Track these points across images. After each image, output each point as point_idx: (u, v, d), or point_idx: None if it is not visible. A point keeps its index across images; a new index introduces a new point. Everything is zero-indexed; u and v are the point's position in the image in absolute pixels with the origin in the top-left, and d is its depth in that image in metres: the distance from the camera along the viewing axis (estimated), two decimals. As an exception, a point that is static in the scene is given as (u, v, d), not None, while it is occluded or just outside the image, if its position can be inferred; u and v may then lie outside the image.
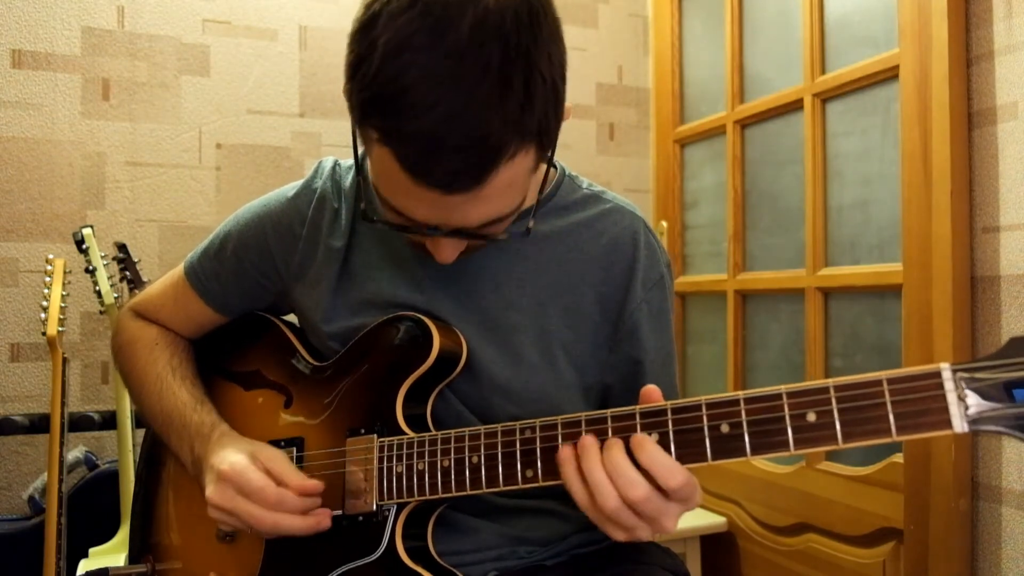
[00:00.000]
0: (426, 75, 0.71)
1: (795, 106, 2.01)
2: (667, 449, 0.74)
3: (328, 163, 1.07)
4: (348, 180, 1.05)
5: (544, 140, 0.79)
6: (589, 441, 0.76)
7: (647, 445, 0.74)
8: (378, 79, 0.73)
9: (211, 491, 0.91)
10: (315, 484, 0.91)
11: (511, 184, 0.79)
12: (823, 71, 1.92)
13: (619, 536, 0.78)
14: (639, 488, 0.73)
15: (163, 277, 1.16)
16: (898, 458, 1.69)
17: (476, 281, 1.00)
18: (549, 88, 0.76)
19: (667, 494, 0.74)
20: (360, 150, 0.87)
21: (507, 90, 0.72)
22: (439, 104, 0.71)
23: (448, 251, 0.88)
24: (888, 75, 1.74)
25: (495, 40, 0.71)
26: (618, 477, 0.73)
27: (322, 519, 0.90)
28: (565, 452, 0.77)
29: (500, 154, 0.74)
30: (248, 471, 0.90)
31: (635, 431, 0.76)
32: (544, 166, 0.88)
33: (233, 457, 0.92)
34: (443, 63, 0.71)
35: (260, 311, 1.13)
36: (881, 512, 1.73)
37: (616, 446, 0.75)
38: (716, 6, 2.32)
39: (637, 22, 2.68)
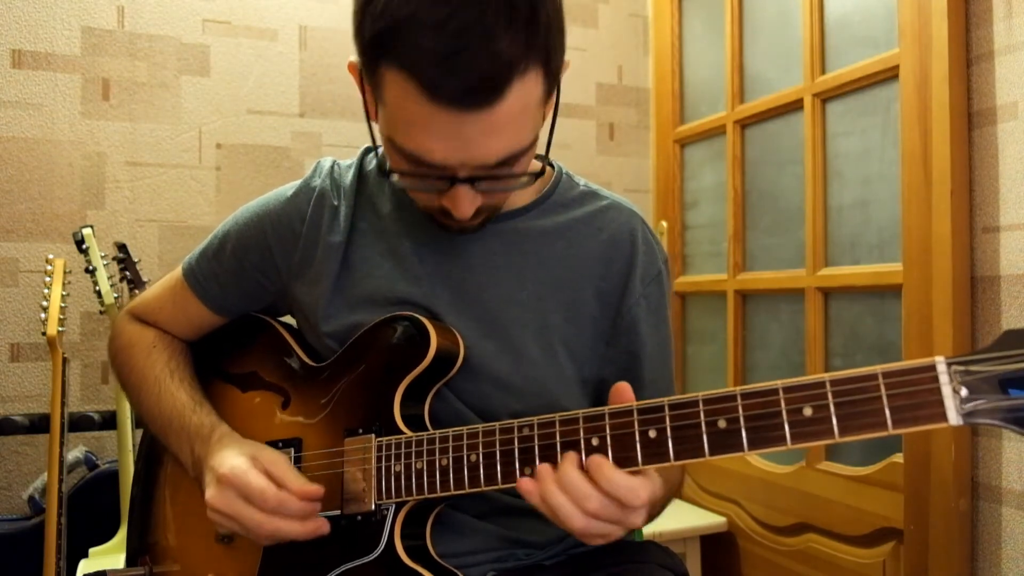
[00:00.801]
0: None
1: (795, 106, 2.01)
2: (664, 445, 0.74)
3: (327, 162, 1.08)
4: (348, 178, 1.05)
5: (550, 65, 0.81)
6: (545, 470, 0.78)
7: (604, 469, 0.75)
8: (389, 8, 0.76)
9: (211, 494, 0.91)
10: (317, 489, 0.90)
11: (523, 111, 0.80)
12: (823, 71, 1.92)
13: (596, 542, 0.79)
14: (593, 501, 0.75)
15: (161, 280, 1.16)
16: (898, 458, 1.69)
17: (476, 276, 1.00)
18: (551, 13, 0.79)
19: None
20: (373, 117, 0.88)
21: (513, 9, 0.75)
22: (450, 21, 0.73)
23: (466, 202, 0.86)
24: (888, 75, 1.74)
25: None
26: (575, 494, 0.75)
27: (321, 525, 0.90)
28: (527, 485, 0.79)
29: (512, 69, 0.76)
30: (249, 474, 0.89)
31: (633, 427, 0.76)
32: (548, 139, 0.90)
33: (234, 460, 0.91)
34: None
35: (258, 312, 1.13)
36: (881, 512, 1.73)
37: (569, 462, 0.77)
38: (716, 6, 2.32)
39: (637, 22, 2.68)
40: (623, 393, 0.80)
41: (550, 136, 0.90)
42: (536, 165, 1.08)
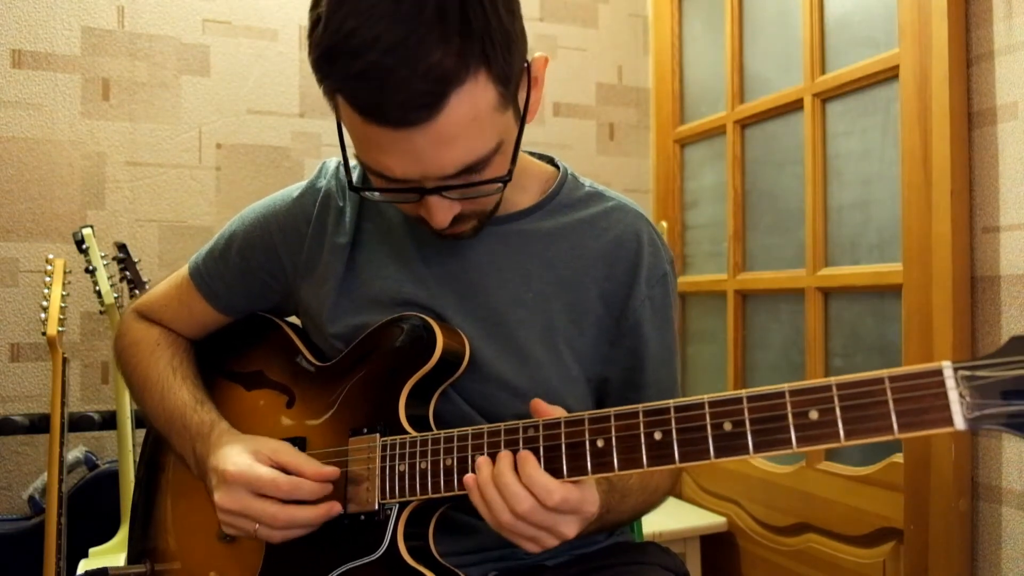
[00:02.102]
0: (366, 17, 0.74)
1: (795, 106, 2.01)
2: (670, 447, 0.74)
3: (332, 163, 1.08)
4: (353, 179, 1.05)
5: (495, 68, 0.79)
6: (482, 462, 0.81)
7: (527, 466, 0.78)
8: (326, 33, 0.77)
9: (220, 496, 0.90)
10: (331, 470, 0.91)
11: (474, 120, 0.80)
12: (823, 71, 1.92)
13: (529, 547, 0.81)
14: (524, 503, 0.77)
15: (167, 278, 1.16)
16: (898, 458, 1.69)
17: (481, 277, 1.00)
18: (491, 15, 0.78)
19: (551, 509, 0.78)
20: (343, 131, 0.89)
21: (443, 19, 0.75)
22: (380, 39, 0.74)
23: (440, 212, 0.87)
24: (888, 75, 1.74)
25: None
26: (505, 492, 0.78)
27: (333, 505, 0.90)
28: (469, 480, 0.81)
29: (447, 82, 0.76)
30: (255, 467, 0.90)
31: (638, 429, 0.76)
32: (517, 139, 0.89)
33: (236, 457, 0.91)
34: (381, 3, 0.74)
35: (263, 312, 1.13)
36: (881, 512, 1.73)
37: (504, 461, 0.80)
38: (716, 6, 2.33)
39: (637, 22, 2.68)
40: (539, 409, 0.82)
41: (518, 136, 0.88)
42: (541, 172, 1.08)
